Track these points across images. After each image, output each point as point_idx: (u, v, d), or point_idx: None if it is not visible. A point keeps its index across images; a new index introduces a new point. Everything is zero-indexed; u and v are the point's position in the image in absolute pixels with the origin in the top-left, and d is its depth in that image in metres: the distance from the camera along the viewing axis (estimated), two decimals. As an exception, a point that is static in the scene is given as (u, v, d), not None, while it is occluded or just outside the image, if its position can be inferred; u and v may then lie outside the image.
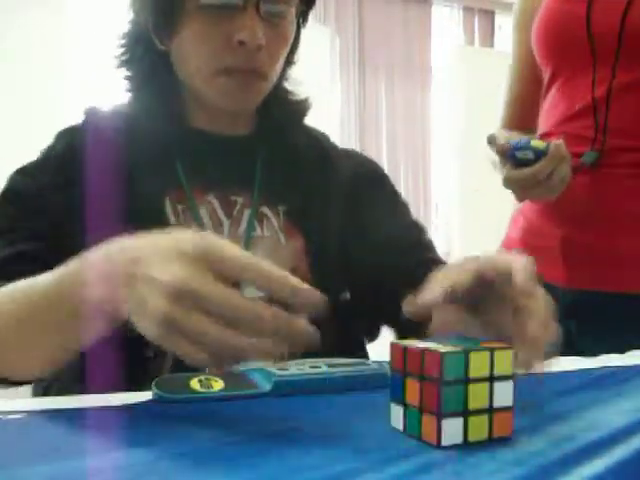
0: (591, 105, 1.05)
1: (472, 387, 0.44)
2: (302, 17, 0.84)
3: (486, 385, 0.45)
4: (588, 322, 1.07)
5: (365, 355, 0.86)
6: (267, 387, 0.58)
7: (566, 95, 1.09)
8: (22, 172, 0.80)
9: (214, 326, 0.47)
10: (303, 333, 0.47)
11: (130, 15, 0.82)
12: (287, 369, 0.61)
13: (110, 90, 0.87)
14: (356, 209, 0.87)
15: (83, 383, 0.66)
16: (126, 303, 0.51)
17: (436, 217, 5.30)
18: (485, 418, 0.45)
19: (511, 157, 0.96)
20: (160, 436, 0.47)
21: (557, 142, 0.95)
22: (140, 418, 0.52)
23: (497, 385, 0.45)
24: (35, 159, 0.81)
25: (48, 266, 0.67)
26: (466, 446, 0.44)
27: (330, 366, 0.62)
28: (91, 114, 0.84)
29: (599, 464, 0.41)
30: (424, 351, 0.45)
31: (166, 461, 0.42)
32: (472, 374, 0.44)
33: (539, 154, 0.94)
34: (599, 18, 1.05)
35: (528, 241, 1.15)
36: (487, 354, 0.45)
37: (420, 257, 0.85)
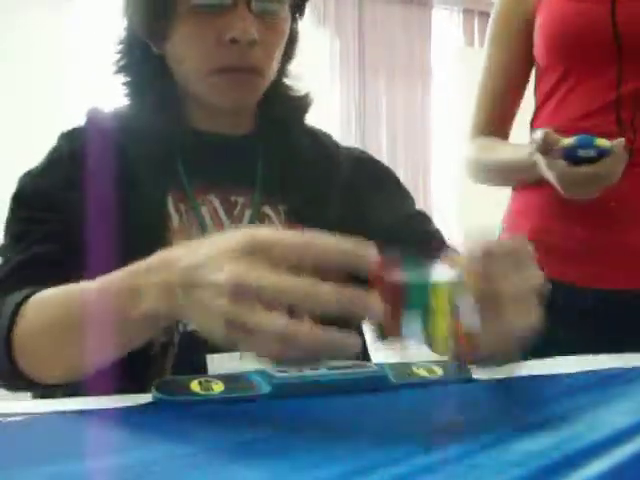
0: (614, 102, 1.06)
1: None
2: (298, 10, 0.84)
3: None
4: (608, 322, 1.07)
5: (366, 354, 0.86)
6: (267, 389, 0.58)
7: (583, 93, 1.09)
8: (31, 174, 0.80)
9: (278, 318, 0.47)
10: (366, 305, 0.47)
11: (124, 21, 0.83)
12: (287, 371, 0.60)
13: (110, 90, 0.87)
14: (358, 207, 0.87)
15: (85, 381, 0.66)
16: (184, 312, 0.52)
17: (436, 218, 5.30)
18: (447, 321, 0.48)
19: (570, 154, 0.96)
20: (160, 438, 0.47)
21: (620, 141, 0.95)
22: (140, 420, 0.52)
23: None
24: (41, 161, 0.81)
25: (63, 267, 0.69)
26: (466, 447, 0.44)
27: (329, 368, 0.62)
28: (93, 115, 0.84)
29: (601, 465, 0.41)
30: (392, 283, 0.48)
31: (166, 463, 0.42)
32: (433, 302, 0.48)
33: (602, 152, 0.94)
34: (625, 18, 1.05)
35: (539, 242, 1.13)
36: (448, 289, 0.48)
37: (422, 247, 0.85)
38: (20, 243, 0.75)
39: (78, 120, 0.84)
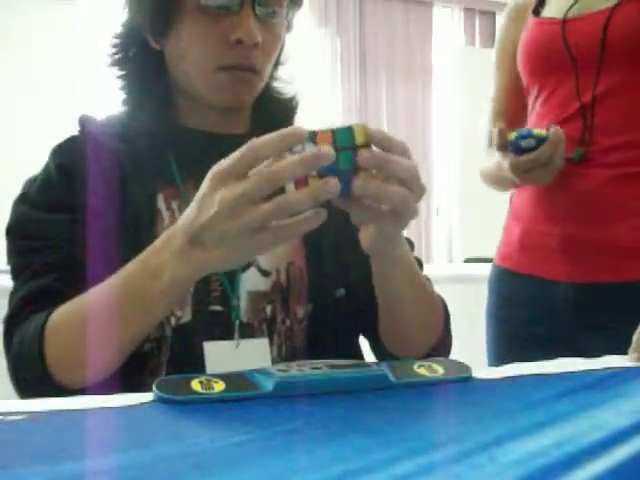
0: (578, 110, 1.15)
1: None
2: (290, 19, 0.86)
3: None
4: (589, 315, 1.13)
5: (359, 352, 0.86)
6: (268, 388, 0.58)
7: (552, 106, 1.19)
8: (25, 201, 0.80)
9: (270, 203, 0.57)
10: (319, 155, 0.57)
11: (125, 15, 0.84)
12: (288, 370, 0.61)
13: (111, 89, 0.87)
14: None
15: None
16: (206, 262, 0.61)
17: (437, 218, 5.30)
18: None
19: (516, 146, 1.10)
20: (161, 437, 0.47)
21: (555, 128, 1.09)
22: (141, 419, 0.52)
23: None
24: (34, 182, 0.81)
25: (65, 295, 0.72)
26: (466, 446, 0.44)
27: (330, 367, 0.62)
28: (85, 122, 0.84)
29: (600, 465, 0.41)
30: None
31: (167, 462, 0.42)
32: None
33: (540, 141, 1.08)
34: (576, 34, 1.15)
35: (528, 243, 1.22)
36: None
37: None
38: (21, 277, 0.77)
39: (74, 125, 0.84)
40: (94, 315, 0.67)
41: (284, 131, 0.59)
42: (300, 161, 0.57)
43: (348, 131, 0.59)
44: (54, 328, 0.70)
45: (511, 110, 1.31)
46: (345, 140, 0.59)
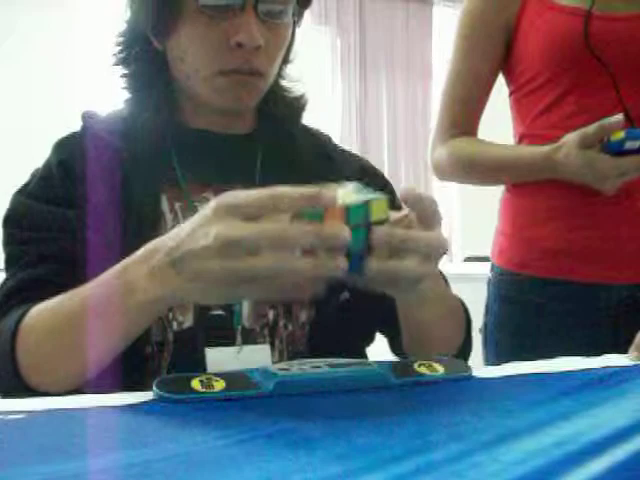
0: (623, 109, 1.08)
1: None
2: (298, 17, 0.84)
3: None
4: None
5: (363, 356, 0.86)
6: (268, 387, 0.58)
7: (599, 101, 1.11)
8: (24, 193, 0.80)
9: (266, 257, 0.52)
10: (334, 232, 0.52)
11: (127, 14, 0.83)
12: (288, 369, 0.61)
13: (110, 90, 0.87)
14: None
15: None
16: (183, 288, 0.57)
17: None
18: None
19: (616, 146, 1.00)
20: (161, 436, 0.47)
21: None
22: (141, 418, 0.52)
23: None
24: (35, 176, 0.81)
25: (57, 287, 0.70)
26: (467, 445, 0.44)
27: (331, 366, 0.62)
28: (88, 119, 0.84)
29: (601, 464, 0.41)
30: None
31: (167, 461, 0.42)
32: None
33: None
34: (615, 33, 1.08)
35: (568, 248, 1.15)
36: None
37: None
38: (17, 266, 0.76)
39: (74, 124, 0.84)
40: (65, 323, 0.65)
41: (312, 191, 0.53)
42: (314, 234, 0.52)
43: (363, 207, 0.55)
44: (27, 328, 0.68)
45: (478, 95, 1.23)
46: (359, 217, 0.54)
